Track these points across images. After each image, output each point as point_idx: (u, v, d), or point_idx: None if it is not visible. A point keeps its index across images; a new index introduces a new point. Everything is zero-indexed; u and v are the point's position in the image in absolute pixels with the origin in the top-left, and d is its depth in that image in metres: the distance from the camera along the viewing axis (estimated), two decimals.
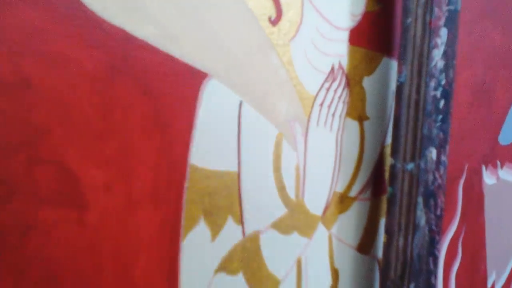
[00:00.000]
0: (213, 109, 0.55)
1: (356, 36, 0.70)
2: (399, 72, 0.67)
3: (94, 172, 0.46)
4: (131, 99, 0.48)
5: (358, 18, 0.69)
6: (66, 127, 0.43)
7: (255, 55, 0.57)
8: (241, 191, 0.58)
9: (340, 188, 0.71)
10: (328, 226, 0.70)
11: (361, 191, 0.74)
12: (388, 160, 0.72)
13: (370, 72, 0.73)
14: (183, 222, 0.53)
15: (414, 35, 0.67)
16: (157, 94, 0.50)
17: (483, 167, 0.97)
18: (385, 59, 0.74)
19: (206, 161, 0.55)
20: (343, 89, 0.69)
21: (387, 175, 0.73)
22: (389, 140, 0.75)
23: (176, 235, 0.53)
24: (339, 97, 0.68)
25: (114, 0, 0.45)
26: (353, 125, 0.72)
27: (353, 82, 0.70)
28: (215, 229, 0.56)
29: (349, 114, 0.71)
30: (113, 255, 0.48)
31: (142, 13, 0.47)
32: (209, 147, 0.55)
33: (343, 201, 0.72)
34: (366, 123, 0.73)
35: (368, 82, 0.73)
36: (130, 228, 0.49)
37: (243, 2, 0.55)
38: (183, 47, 0.51)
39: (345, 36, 0.68)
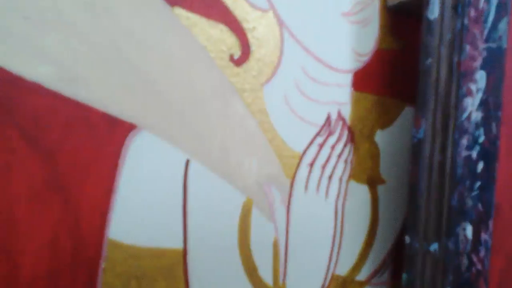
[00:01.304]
0: (146, 170, 0.43)
1: (364, 80, 0.56)
2: (417, 126, 0.53)
3: None
4: (15, 157, 0.38)
5: (366, 57, 0.56)
6: None
7: (209, 101, 0.45)
8: (189, 274, 0.46)
9: (341, 270, 0.56)
10: None
11: (374, 273, 0.59)
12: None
13: (386, 124, 0.59)
14: None
15: (437, 80, 0.53)
16: (55, 150, 0.39)
17: None
18: (408, 109, 0.60)
19: (134, 237, 0.43)
20: (345, 145, 0.55)
21: None
22: None
23: None
24: (339, 156, 0.54)
25: None
26: (361, 190, 0.57)
27: (360, 136, 0.56)
28: None
29: (354, 176, 0.56)
30: None
31: (35, 50, 0.38)
32: (138, 218, 0.43)
33: (346, 286, 0.56)
34: (382, 188, 0.58)
35: (383, 137, 0.58)
36: None
37: (190, 36, 0.44)
38: (96, 91, 0.40)
39: (346, 79, 0.55)
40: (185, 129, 0.45)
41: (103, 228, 0.42)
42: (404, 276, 0.54)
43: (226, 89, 0.47)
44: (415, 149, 0.54)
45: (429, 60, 0.53)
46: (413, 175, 0.54)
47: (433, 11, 0.53)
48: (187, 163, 0.45)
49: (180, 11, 0.44)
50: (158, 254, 0.44)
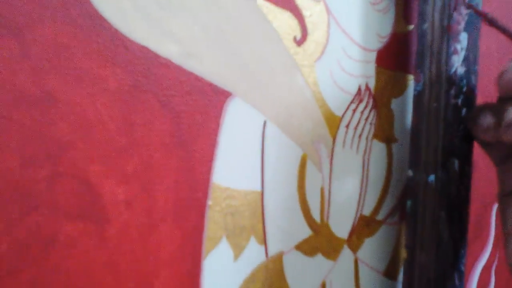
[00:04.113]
0: (237, 128, 0.54)
1: (383, 58, 0.69)
2: (417, 80, 0.65)
3: (115, 187, 0.46)
4: (153, 115, 0.48)
5: (386, 39, 0.69)
6: (88, 142, 0.44)
7: (280, 75, 0.57)
8: (264, 211, 0.57)
9: (366, 211, 0.70)
10: (354, 249, 0.68)
11: (388, 215, 0.73)
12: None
13: (398, 94, 0.72)
14: (205, 241, 0.53)
15: (432, 41, 0.65)
16: (179, 112, 0.49)
17: None
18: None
19: (229, 180, 0.54)
20: (370, 110, 0.68)
21: None
22: None
23: (197, 253, 0.52)
24: (366, 119, 0.67)
25: (137, 19, 0.46)
26: (380, 147, 0.71)
27: (380, 103, 0.70)
28: (238, 249, 0.55)
29: (376, 136, 0.70)
30: (134, 270, 0.47)
31: (166, 32, 0.48)
32: (232, 166, 0.54)
33: (369, 224, 0.70)
34: (395, 146, 0.72)
35: (396, 104, 0.72)
36: (151, 244, 0.49)
37: (268, 21, 0.55)
38: (206, 66, 0.51)
39: (372, 57, 0.68)
40: (263, 97, 0.56)
41: (209, 174, 0.53)
42: (408, 202, 0.67)
43: (291, 65, 0.58)
44: (416, 99, 0.65)
45: (425, 25, 0.65)
46: (415, 122, 0.66)
47: None
48: (265, 123, 0.57)
49: (261, 2, 0.55)
50: (244, 195, 0.56)
